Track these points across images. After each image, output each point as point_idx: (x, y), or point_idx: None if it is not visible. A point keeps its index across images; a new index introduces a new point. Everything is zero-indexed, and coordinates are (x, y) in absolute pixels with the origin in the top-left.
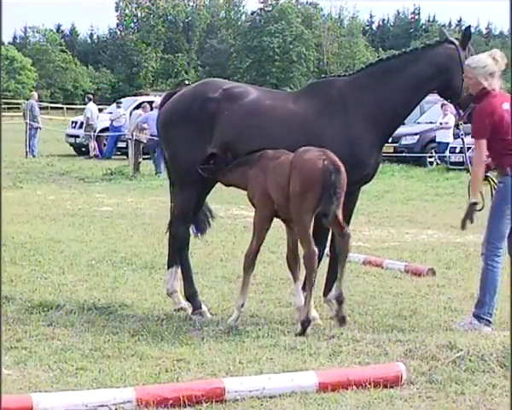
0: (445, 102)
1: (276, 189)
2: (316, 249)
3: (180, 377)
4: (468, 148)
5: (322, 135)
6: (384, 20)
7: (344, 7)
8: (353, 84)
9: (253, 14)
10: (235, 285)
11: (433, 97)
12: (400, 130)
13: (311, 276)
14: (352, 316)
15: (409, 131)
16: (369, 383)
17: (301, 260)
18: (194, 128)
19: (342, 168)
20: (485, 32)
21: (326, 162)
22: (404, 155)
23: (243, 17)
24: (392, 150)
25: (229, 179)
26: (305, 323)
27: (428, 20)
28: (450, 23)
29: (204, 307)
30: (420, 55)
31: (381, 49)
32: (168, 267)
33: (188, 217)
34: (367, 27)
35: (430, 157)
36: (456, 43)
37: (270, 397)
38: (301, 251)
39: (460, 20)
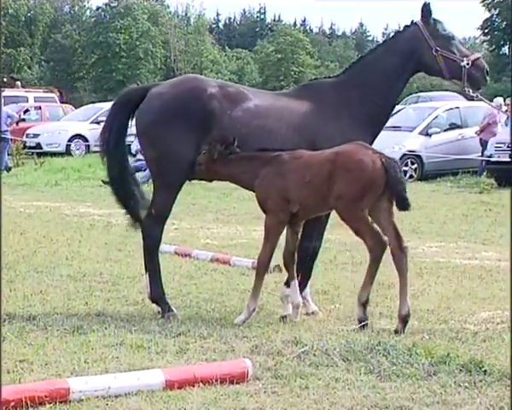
0: None
1: (306, 189)
2: (385, 239)
3: (22, 378)
4: None
5: (319, 136)
6: (230, 18)
7: (190, 4)
8: (340, 85)
9: (98, 9)
10: (80, 284)
11: None
12: None
13: (375, 266)
14: (199, 313)
15: None
16: (216, 380)
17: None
18: (190, 126)
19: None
20: (328, 32)
21: (384, 159)
22: None
23: (88, 12)
24: None
25: (230, 171)
26: (365, 303)
27: (274, 20)
28: (295, 23)
29: (175, 310)
30: (389, 46)
31: (227, 47)
32: (146, 271)
33: (165, 218)
34: (214, 25)
35: None
36: (420, 23)
37: (116, 396)
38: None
39: (304, 20)
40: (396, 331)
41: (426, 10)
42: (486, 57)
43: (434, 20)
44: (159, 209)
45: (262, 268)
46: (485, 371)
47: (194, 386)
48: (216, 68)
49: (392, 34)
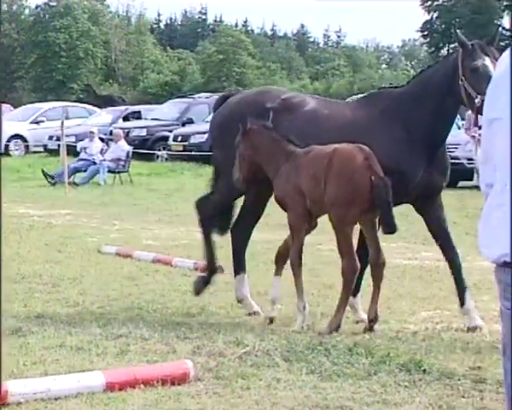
0: None
1: (309, 183)
2: (357, 263)
3: None
4: None
5: (370, 145)
6: (172, 18)
7: (131, 4)
8: (398, 97)
9: (37, 8)
10: (20, 286)
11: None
12: (189, 129)
13: (348, 288)
14: (140, 315)
15: (198, 129)
16: (157, 381)
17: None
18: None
19: (387, 181)
20: (270, 33)
21: (375, 177)
22: (193, 153)
23: (27, 11)
24: (181, 149)
25: (260, 153)
26: (336, 329)
27: (215, 20)
28: (236, 24)
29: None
30: (441, 64)
31: (169, 47)
32: (235, 275)
33: (218, 211)
34: (155, 26)
35: None
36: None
37: (56, 399)
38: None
39: (246, 21)
40: (365, 330)
41: (455, 36)
42: (426, 59)
43: (473, 45)
44: (215, 201)
45: (295, 266)
46: (424, 370)
47: (134, 388)
48: (157, 69)
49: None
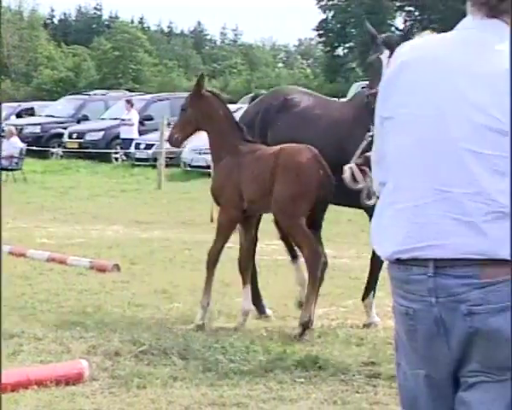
0: (130, 97)
1: (251, 183)
2: (320, 249)
3: None
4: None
5: (345, 143)
6: (66, 14)
7: None
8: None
9: None
10: None
11: (116, 93)
12: (85, 126)
13: (314, 277)
14: (34, 314)
15: (94, 127)
16: (51, 382)
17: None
18: (256, 135)
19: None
20: (166, 30)
21: (323, 172)
22: (89, 150)
23: None
24: (77, 146)
25: (208, 122)
26: (307, 324)
27: (111, 17)
28: (132, 20)
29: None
30: None
31: (63, 43)
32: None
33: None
34: (48, 21)
35: (115, 153)
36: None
37: None
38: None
39: (142, 18)
40: (295, 337)
41: (366, 30)
42: (321, 58)
43: (379, 38)
44: None
45: (211, 263)
46: (319, 366)
47: (28, 388)
48: (51, 65)
49: None
